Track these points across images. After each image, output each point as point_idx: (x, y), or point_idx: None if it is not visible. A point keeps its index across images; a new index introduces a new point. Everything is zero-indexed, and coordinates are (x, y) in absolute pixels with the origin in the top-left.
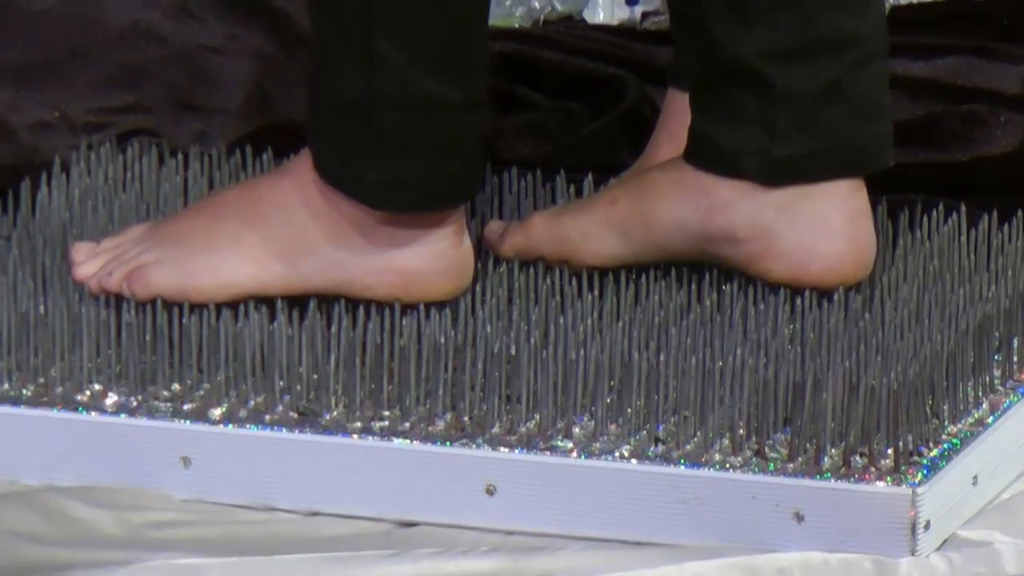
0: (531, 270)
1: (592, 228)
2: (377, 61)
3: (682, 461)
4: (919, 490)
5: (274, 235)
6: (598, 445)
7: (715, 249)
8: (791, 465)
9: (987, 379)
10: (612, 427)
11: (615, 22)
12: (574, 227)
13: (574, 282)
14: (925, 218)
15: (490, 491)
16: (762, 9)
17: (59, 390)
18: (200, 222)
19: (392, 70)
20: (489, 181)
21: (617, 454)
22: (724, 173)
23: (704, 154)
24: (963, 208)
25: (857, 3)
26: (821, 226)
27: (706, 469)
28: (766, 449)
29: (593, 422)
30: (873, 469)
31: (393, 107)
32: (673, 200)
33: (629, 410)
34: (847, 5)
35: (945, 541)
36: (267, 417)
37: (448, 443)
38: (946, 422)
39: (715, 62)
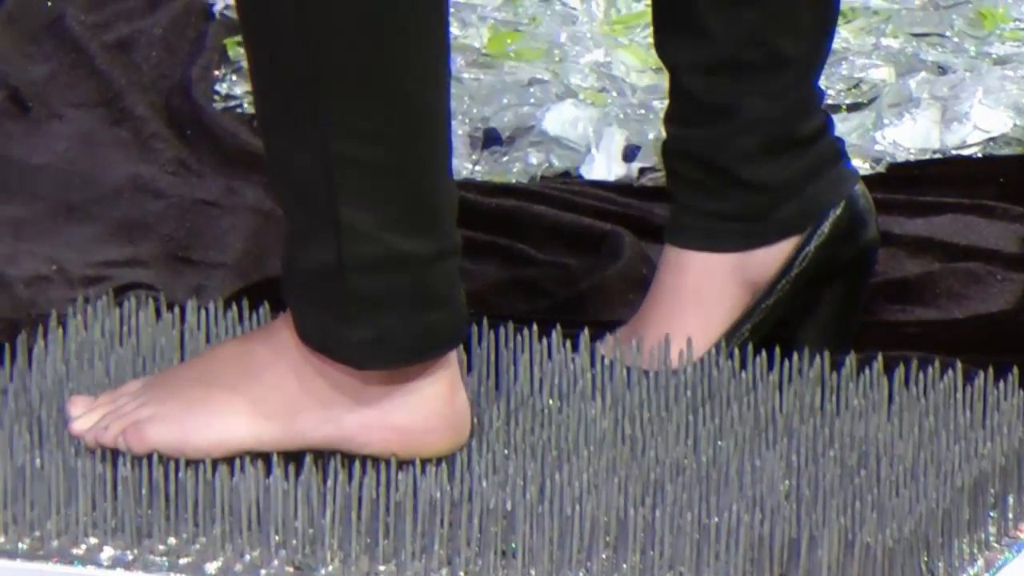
0: (527, 425)
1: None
2: (344, 227)
3: None
4: None
5: (267, 394)
6: None
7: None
8: None
9: (982, 536)
10: None
11: (612, 178)
12: None
13: (570, 437)
14: (921, 375)
15: None
16: None
17: (55, 544)
18: (196, 378)
19: (359, 234)
20: (485, 337)
21: None
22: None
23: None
24: (959, 365)
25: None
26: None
27: None
28: None
29: None
30: None
31: (365, 268)
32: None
33: (625, 566)
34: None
35: None
36: (263, 572)
37: None
38: None
39: None
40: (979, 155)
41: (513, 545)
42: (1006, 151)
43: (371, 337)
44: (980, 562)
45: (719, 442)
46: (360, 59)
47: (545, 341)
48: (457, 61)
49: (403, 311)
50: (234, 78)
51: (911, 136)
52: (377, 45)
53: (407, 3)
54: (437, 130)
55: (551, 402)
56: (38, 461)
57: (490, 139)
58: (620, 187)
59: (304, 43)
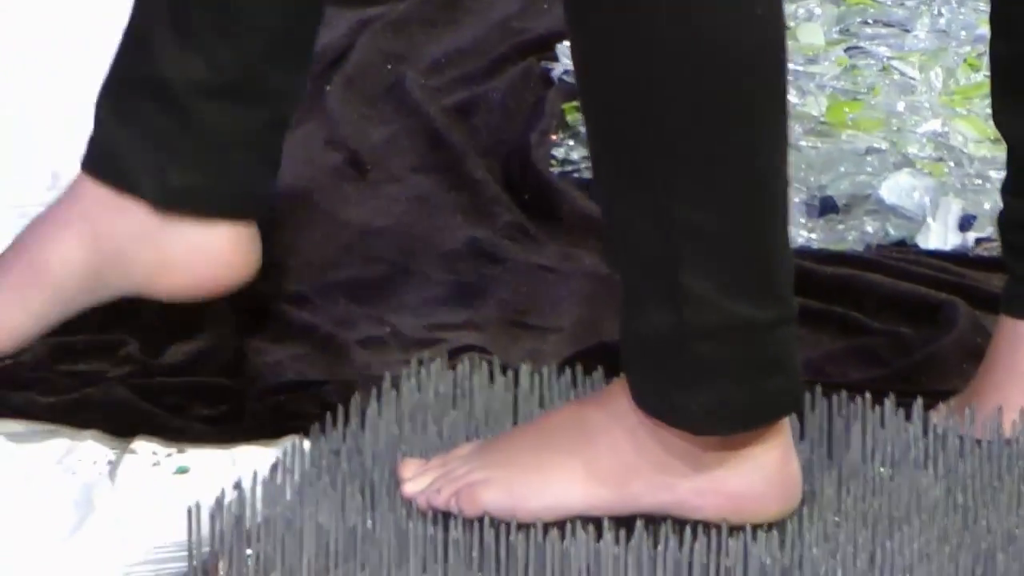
0: (859, 493)
1: None
2: (685, 294)
3: None
4: None
5: (601, 460)
6: None
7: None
8: None
9: None
10: None
11: (948, 247)
12: None
13: (902, 506)
14: None
15: None
16: None
17: None
18: (530, 443)
19: (701, 300)
20: (818, 404)
21: None
22: None
23: None
24: None
25: None
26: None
27: None
28: None
29: None
30: None
31: (706, 336)
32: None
33: None
34: None
35: None
36: None
37: None
38: None
39: None
40: None
41: None
42: None
43: (710, 404)
44: None
45: None
46: (702, 127)
47: (878, 410)
48: (795, 129)
49: (742, 377)
50: (572, 143)
51: None
52: (720, 113)
53: (749, 72)
54: (777, 196)
55: (883, 470)
56: (370, 522)
57: (826, 207)
58: (956, 257)
59: (647, 112)
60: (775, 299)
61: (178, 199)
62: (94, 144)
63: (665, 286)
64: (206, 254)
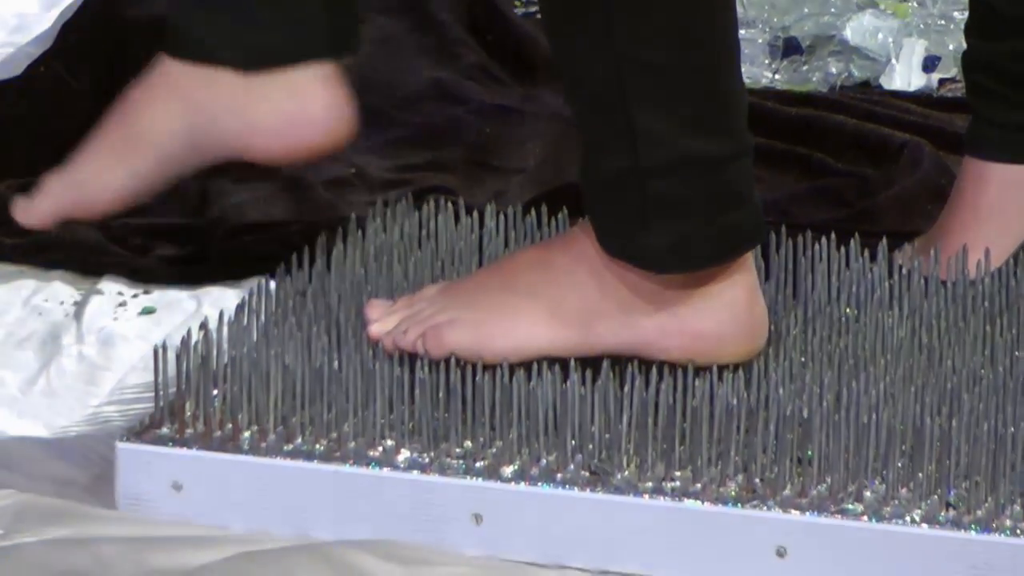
0: (824, 333)
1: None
2: (638, 132)
3: (973, 527)
4: None
5: (565, 301)
6: (889, 509)
7: None
8: None
9: None
10: (903, 491)
11: (912, 89)
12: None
13: (867, 346)
14: None
15: (780, 553)
16: None
17: (352, 445)
18: (494, 284)
19: (654, 138)
20: (783, 245)
21: (908, 518)
22: None
23: None
24: None
25: None
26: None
27: (997, 535)
28: None
29: (884, 486)
30: None
31: (663, 173)
32: None
33: (920, 475)
34: None
35: None
36: (559, 476)
37: (739, 505)
38: None
39: None
40: None
41: (809, 453)
42: None
43: (671, 241)
44: None
45: (1016, 352)
46: None
47: (843, 250)
48: None
49: (701, 213)
50: None
51: None
52: None
53: None
54: (726, 29)
55: (848, 311)
56: (336, 363)
57: (790, 48)
58: (920, 98)
59: None
60: (728, 133)
61: (260, 58)
62: (173, 30)
63: (619, 125)
64: (296, 117)
